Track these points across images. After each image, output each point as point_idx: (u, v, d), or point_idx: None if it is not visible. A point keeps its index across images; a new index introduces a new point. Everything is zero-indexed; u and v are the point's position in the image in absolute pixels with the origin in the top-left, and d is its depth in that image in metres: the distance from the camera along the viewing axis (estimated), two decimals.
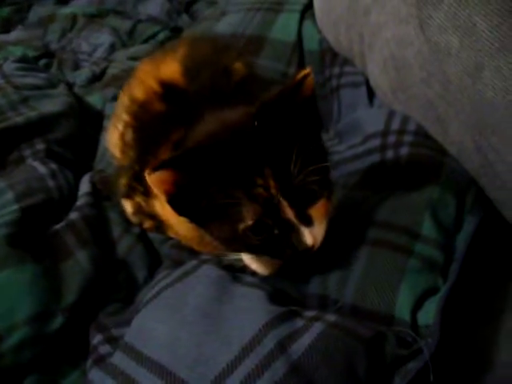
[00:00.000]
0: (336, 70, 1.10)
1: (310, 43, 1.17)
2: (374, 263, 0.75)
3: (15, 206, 0.83)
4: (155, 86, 0.82)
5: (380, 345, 0.65)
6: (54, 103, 1.08)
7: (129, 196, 0.86)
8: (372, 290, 0.73)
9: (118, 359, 0.66)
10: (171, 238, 0.89)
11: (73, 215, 0.86)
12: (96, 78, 1.33)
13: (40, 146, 0.99)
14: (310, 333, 0.65)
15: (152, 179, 0.63)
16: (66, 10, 1.72)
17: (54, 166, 0.95)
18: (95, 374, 0.66)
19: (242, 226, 0.67)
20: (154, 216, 0.84)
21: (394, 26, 0.90)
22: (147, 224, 0.88)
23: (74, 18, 1.67)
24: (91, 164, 1.05)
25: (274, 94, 0.67)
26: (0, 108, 1.03)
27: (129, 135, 0.85)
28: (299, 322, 0.67)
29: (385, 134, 0.90)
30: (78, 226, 0.84)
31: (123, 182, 0.86)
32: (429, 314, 0.69)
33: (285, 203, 0.66)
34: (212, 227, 0.70)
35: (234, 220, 0.67)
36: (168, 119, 0.75)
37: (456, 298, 0.70)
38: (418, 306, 0.71)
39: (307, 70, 0.67)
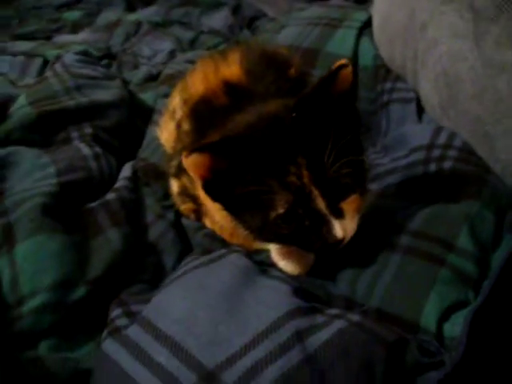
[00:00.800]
0: (388, 86, 1.09)
1: (365, 59, 1.17)
2: (404, 270, 0.73)
3: (55, 180, 0.85)
4: (217, 83, 0.85)
5: (402, 350, 0.63)
6: (106, 93, 1.11)
7: (177, 176, 0.89)
8: (400, 296, 0.71)
9: (134, 332, 0.65)
10: (205, 227, 0.89)
11: (109, 196, 0.87)
12: (152, 78, 1.37)
13: (88, 130, 1.01)
14: (329, 328, 0.64)
15: (188, 162, 0.65)
16: (132, 17, 1.78)
17: (98, 149, 0.97)
18: (109, 344, 0.65)
19: (273, 215, 0.68)
20: (195, 199, 0.86)
21: (448, 42, 0.90)
22: (188, 206, 0.90)
23: (138, 24, 1.73)
24: (136, 154, 1.06)
25: (311, 86, 0.68)
26: (55, 93, 1.06)
27: (186, 125, 0.88)
28: (320, 318, 0.66)
29: (430, 147, 0.88)
30: (113, 206, 0.85)
31: (174, 163, 0.89)
32: (455, 326, 0.67)
33: (316, 193, 0.66)
34: (244, 216, 0.71)
35: (266, 208, 0.68)
36: (229, 112, 0.76)
37: (486, 316, 0.67)
38: (445, 317, 0.68)
39: (343, 61, 0.67)
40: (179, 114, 0.93)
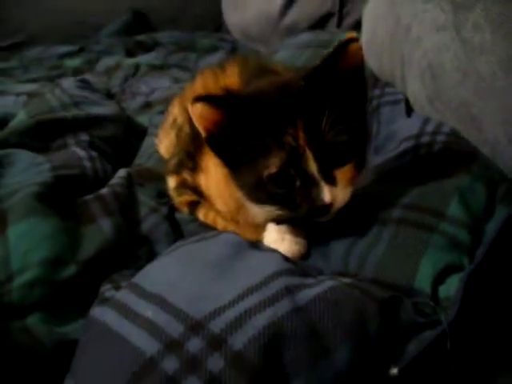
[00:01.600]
0: (377, 92, 1.12)
1: None
2: (396, 240, 0.73)
3: (50, 174, 0.86)
4: (218, 91, 0.87)
5: (395, 308, 0.62)
6: (103, 109, 1.15)
7: (177, 172, 0.92)
8: (392, 263, 0.70)
9: (121, 295, 0.65)
10: (198, 220, 0.90)
11: (103, 190, 0.88)
12: (148, 105, 1.40)
13: (84, 137, 1.03)
14: (320, 286, 0.63)
15: (193, 110, 0.69)
16: (131, 61, 1.84)
17: (93, 153, 0.99)
18: (96, 310, 0.64)
19: (266, 173, 0.69)
20: (195, 189, 0.88)
21: (431, 36, 0.93)
22: (184, 198, 0.92)
23: (137, 67, 1.78)
24: (130, 165, 1.08)
25: (321, 59, 0.71)
26: (52, 108, 1.09)
27: (186, 129, 0.93)
28: (311, 279, 0.66)
29: (418, 136, 0.89)
30: (106, 199, 0.86)
31: (174, 161, 0.94)
32: (450, 288, 0.66)
33: (310, 155, 0.68)
34: (241, 172, 0.73)
35: (261, 166, 0.70)
36: None
37: (480, 280, 0.66)
38: (439, 280, 0.67)
39: (351, 35, 0.70)
40: (180, 120, 0.98)
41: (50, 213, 0.79)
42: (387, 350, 0.59)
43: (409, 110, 1.05)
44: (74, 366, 0.60)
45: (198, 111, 0.69)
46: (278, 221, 0.81)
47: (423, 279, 0.67)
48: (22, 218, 0.76)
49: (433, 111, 0.96)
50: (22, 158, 0.92)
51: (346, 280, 0.65)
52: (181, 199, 0.93)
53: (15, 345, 0.62)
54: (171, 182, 0.95)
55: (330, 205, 0.70)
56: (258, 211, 0.80)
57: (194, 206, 0.91)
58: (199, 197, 0.90)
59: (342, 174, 0.71)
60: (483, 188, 0.77)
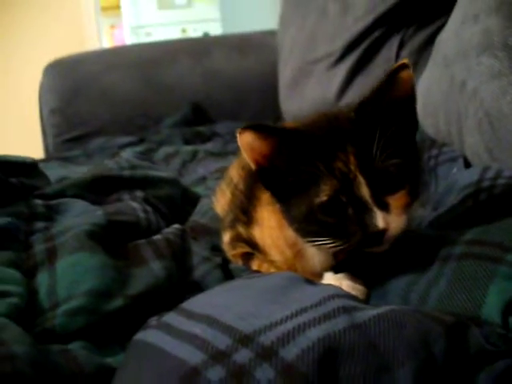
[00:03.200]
0: (434, 152, 1.10)
1: None
2: (460, 274, 0.68)
3: (103, 217, 0.86)
4: None
5: (463, 333, 0.57)
6: (160, 173, 1.16)
7: (231, 227, 0.91)
8: (457, 294, 0.66)
9: (167, 317, 0.62)
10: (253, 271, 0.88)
11: (156, 236, 0.87)
12: (203, 179, 1.42)
13: (139, 193, 1.04)
14: (379, 309, 0.59)
15: (242, 138, 0.69)
16: (189, 148, 1.89)
17: (148, 208, 0.99)
18: (139, 334, 0.61)
19: (317, 201, 0.68)
20: (249, 242, 0.87)
21: (487, 85, 0.92)
22: (237, 251, 0.91)
23: (194, 153, 1.83)
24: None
25: (372, 89, 0.71)
26: (109, 169, 1.12)
27: (241, 185, 0.94)
28: (369, 306, 0.62)
29: (478, 182, 0.86)
30: (158, 244, 0.85)
31: (228, 218, 0.94)
32: None
33: (362, 180, 0.67)
34: (292, 204, 0.72)
35: (312, 195, 0.69)
36: None
37: None
38: (509, 310, 0.62)
39: (403, 61, 0.70)
40: (236, 179, 0.99)
41: (100, 250, 0.78)
42: (456, 377, 0.53)
43: (467, 166, 1.03)
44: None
45: (246, 140, 0.69)
46: (335, 268, 0.78)
47: (491, 309, 0.62)
48: (72, 252, 0.76)
49: (492, 160, 0.94)
50: (77, 205, 0.93)
51: (408, 307, 0.61)
52: (234, 252, 0.91)
53: (54, 364, 0.59)
54: (226, 236, 0.94)
55: (384, 232, 0.67)
56: (313, 253, 0.78)
57: (247, 257, 0.89)
58: (253, 249, 0.88)
59: (395, 200, 0.69)
60: None
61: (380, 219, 0.66)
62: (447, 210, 0.89)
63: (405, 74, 0.69)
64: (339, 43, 1.61)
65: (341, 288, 0.69)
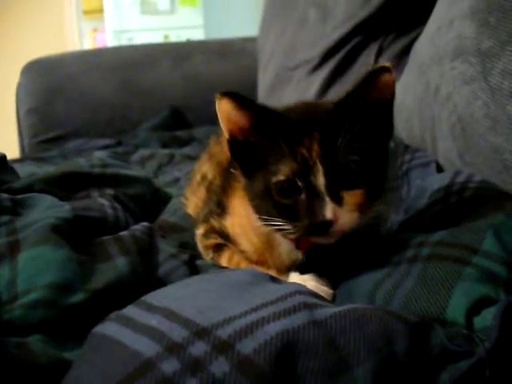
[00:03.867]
0: (407, 157, 1.10)
1: None
2: (426, 273, 0.67)
3: (69, 212, 0.84)
4: None
5: (426, 332, 0.56)
6: (131, 171, 1.15)
7: (205, 220, 0.92)
8: (422, 295, 0.65)
9: (125, 310, 0.61)
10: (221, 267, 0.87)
11: (122, 233, 0.85)
12: (177, 180, 1.41)
13: (109, 191, 1.02)
14: (341, 307, 0.58)
15: (221, 105, 0.71)
16: (166, 151, 1.87)
17: (117, 205, 0.98)
18: (97, 327, 0.60)
19: (274, 180, 0.70)
20: (221, 234, 0.88)
21: (460, 90, 0.93)
22: (210, 242, 0.91)
23: (171, 156, 1.81)
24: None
25: (353, 85, 0.72)
26: (80, 166, 1.10)
27: (217, 181, 0.96)
28: (331, 305, 0.61)
29: (449, 186, 0.86)
30: (125, 240, 0.83)
31: (204, 212, 0.95)
32: (487, 318, 0.60)
33: (320, 169, 0.68)
34: (254, 180, 0.74)
35: (271, 173, 0.70)
36: None
37: None
38: (474, 311, 0.61)
39: (384, 64, 0.71)
40: (210, 175, 1.01)
41: (63, 244, 0.76)
42: (418, 377, 0.53)
43: (440, 171, 1.03)
44: (67, 376, 0.54)
45: (224, 108, 0.71)
46: (302, 269, 0.78)
47: (456, 310, 0.61)
48: (34, 246, 0.74)
49: (464, 166, 0.93)
50: (44, 200, 0.91)
51: (371, 306, 0.60)
52: (207, 243, 0.91)
53: (10, 356, 0.58)
54: (200, 230, 0.94)
55: (331, 223, 0.67)
56: (280, 242, 0.79)
57: (219, 249, 0.89)
58: (225, 240, 0.88)
59: (351, 197, 0.69)
60: None
61: (329, 210, 0.67)
62: (417, 214, 0.88)
63: (386, 77, 0.70)
64: (318, 50, 1.61)
65: (306, 287, 0.68)
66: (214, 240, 0.89)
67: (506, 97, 0.81)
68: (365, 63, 1.53)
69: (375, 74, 0.70)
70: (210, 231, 0.90)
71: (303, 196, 0.69)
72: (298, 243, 0.77)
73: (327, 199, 0.67)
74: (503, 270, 0.65)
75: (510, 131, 0.80)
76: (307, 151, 0.68)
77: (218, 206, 0.89)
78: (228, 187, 0.87)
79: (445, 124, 0.98)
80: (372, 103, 0.71)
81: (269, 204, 0.71)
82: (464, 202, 0.81)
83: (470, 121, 0.90)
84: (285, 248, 0.79)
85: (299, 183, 0.69)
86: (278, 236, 0.78)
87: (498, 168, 0.84)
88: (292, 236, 0.72)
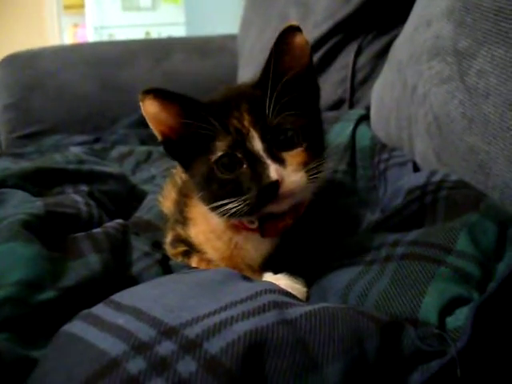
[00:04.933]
0: (384, 156, 1.10)
1: (362, 141, 1.19)
2: (399, 273, 0.67)
3: (42, 208, 0.83)
4: None
5: (396, 333, 0.56)
6: (107, 168, 1.13)
7: (173, 228, 0.91)
8: (395, 294, 0.65)
9: (93, 309, 0.60)
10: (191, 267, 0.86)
11: (95, 230, 0.84)
12: (153, 177, 1.39)
13: (83, 187, 1.01)
14: (312, 306, 0.58)
15: (146, 107, 0.72)
16: (144, 148, 1.86)
17: (91, 202, 0.96)
18: (65, 326, 0.59)
19: (214, 158, 0.70)
20: (187, 242, 0.87)
21: (437, 89, 0.92)
22: (177, 250, 0.90)
23: (149, 154, 1.80)
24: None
25: (270, 51, 0.73)
26: (55, 162, 1.08)
27: (182, 188, 0.95)
28: (302, 304, 0.60)
29: (424, 185, 0.86)
30: (97, 237, 0.82)
31: (171, 219, 0.95)
32: (459, 318, 0.60)
33: (255, 135, 0.69)
34: (194, 168, 0.75)
35: (209, 154, 0.71)
36: None
37: (491, 314, 0.60)
38: (447, 311, 0.61)
39: (290, 23, 0.72)
40: (179, 181, 1.00)
41: (34, 240, 0.75)
42: (388, 376, 0.53)
43: (416, 171, 1.03)
44: (33, 374, 0.53)
45: (151, 109, 0.72)
46: (275, 268, 0.77)
47: (429, 310, 0.61)
48: (3, 242, 0.73)
49: (440, 165, 0.93)
50: (17, 195, 0.90)
51: (343, 305, 0.60)
52: (174, 251, 0.91)
53: None
54: (168, 237, 0.93)
55: (278, 185, 0.67)
56: (247, 239, 0.79)
57: (187, 255, 0.88)
58: (191, 248, 0.87)
59: (292, 157, 0.70)
60: (493, 226, 0.72)
61: (272, 171, 0.67)
62: (393, 213, 0.88)
63: (298, 38, 0.72)
64: None
65: (278, 286, 0.67)
66: (182, 248, 0.88)
67: (482, 97, 0.81)
68: (344, 62, 1.53)
69: (283, 37, 0.72)
70: (177, 240, 0.89)
71: (245, 166, 0.69)
72: (262, 231, 0.77)
73: (268, 161, 0.68)
74: (476, 269, 0.65)
75: (486, 131, 0.80)
76: (238, 122, 0.70)
77: (181, 214, 0.89)
78: (186, 196, 0.87)
79: (421, 123, 0.98)
80: (291, 66, 0.73)
81: (214, 187, 0.71)
82: (439, 202, 0.80)
83: (446, 120, 0.89)
84: (252, 242, 0.79)
85: (238, 154, 0.69)
86: (243, 233, 0.78)
87: (473, 167, 0.84)
88: (247, 212, 0.70)
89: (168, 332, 0.51)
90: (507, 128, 0.76)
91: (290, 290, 0.69)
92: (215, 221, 0.77)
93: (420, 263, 0.67)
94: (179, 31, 3.86)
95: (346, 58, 1.53)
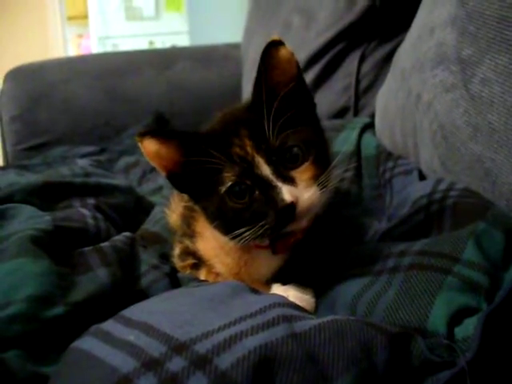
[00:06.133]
0: (390, 164, 1.10)
1: (368, 149, 1.19)
2: (407, 283, 0.67)
3: (50, 223, 0.84)
4: None
5: (406, 344, 0.56)
6: (114, 181, 1.14)
7: (180, 241, 0.91)
8: (403, 305, 0.65)
9: (104, 324, 0.60)
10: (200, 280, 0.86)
11: (103, 244, 0.85)
12: (160, 188, 1.40)
13: (90, 201, 1.02)
14: (321, 319, 0.58)
15: (145, 146, 0.71)
16: None
17: (98, 215, 0.97)
18: (76, 342, 0.59)
19: (223, 190, 0.70)
20: (195, 255, 0.87)
21: (441, 97, 0.93)
22: (186, 263, 0.89)
23: None
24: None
25: (257, 70, 0.72)
26: (62, 176, 1.09)
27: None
28: (310, 317, 0.61)
29: (431, 194, 0.86)
30: (105, 251, 0.83)
31: (180, 232, 0.94)
32: (468, 328, 0.60)
33: (260, 160, 0.68)
34: (206, 201, 0.74)
35: (219, 185, 0.70)
36: None
37: (500, 323, 0.60)
38: (455, 321, 0.61)
39: (272, 38, 0.71)
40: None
41: (43, 256, 0.76)
42: None
43: (422, 179, 1.03)
44: None
45: (150, 148, 0.71)
46: (284, 279, 0.77)
47: (437, 320, 0.61)
48: (13, 258, 0.74)
49: (446, 173, 0.93)
50: (25, 211, 0.90)
51: (352, 317, 0.60)
52: (183, 264, 0.90)
53: None
54: (176, 249, 0.93)
55: (294, 205, 0.67)
56: (257, 256, 0.78)
57: (196, 267, 0.88)
58: (200, 261, 0.87)
59: (301, 173, 0.70)
60: (500, 234, 0.72)
61: (286, 193, 0.66)
62: (399, 222, 0.88)
63: (282, 51, 0.71)
64: (301, 56, 1.60)
65: (287, 298, 0.67)
66: (190, 261, 0.88)
67: (486, 105, 0.81)
68: (348, 70, 1.53)
69: (267, 53, 0.71)
70: (185, 253, 0.89)
71: (257, 192, 0.69)
72: (274, 248, 0.77)
73: (279, 184, 0.67)
74: (484, 278, 0.65)
75: (491, 139, 0.80)
76: (241, 149, 0.69)
77: (189, 227, 0.88)
78: (193, 211, 0.86)
79: (426, 131, 0.98)
80: (280, 80, 0.72)
81: (229, 217, 0.71)
82: (446, 211, 0.81)
83: (451, 129, 0.90)
84: (263, 259, 0.79)
85: (248, 182, 0.69)
86: (253, 250, 0.78)
87: (479, 176, 0.84)
88: (265, 236, 0.71)
89: (178, 348, 0.51)
90: None
91: (298, 302, 0.70)
92: (224, 239, 0.76)
93: (427, 273, 0.67)
94: (183, 40, 3.86)
95: (350, 65, 1.53)
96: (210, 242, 0.82)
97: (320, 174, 0.70)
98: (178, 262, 0.91)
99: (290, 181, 0.68)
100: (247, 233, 0.70)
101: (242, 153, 0.69)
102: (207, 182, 0.71)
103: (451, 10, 0.92)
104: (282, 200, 0.66)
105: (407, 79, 1.09)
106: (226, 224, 0.72)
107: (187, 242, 0.89)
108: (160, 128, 0.73)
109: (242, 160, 0.69)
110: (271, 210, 0.67)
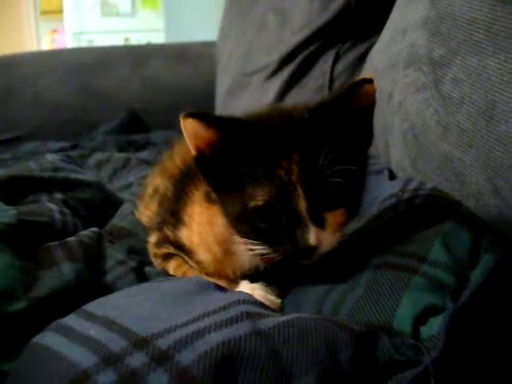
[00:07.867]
0: None
1: None
2: (374, 282, 0.67)
3: (14, 217, 0.82)
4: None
5: (370, 342, 0.56)
6: (82, 176, 1.12)
7: (159, 229, 0.89)
8: (369, 304, 0.65)
9: (65, 319, 0.60)
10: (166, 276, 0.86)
11: (69, 239, 0.83)
12: (130, 185, 1.38)
13: (58, 196, 1.00)
14: (285, 316, 0.58)
15: (186, 124, 0.65)
16: (122, 155, 1.84)
17: (66, 210, 0.95)
18: (36, 337, 0.58)
19: (252, 204, 0.65)
20: (175, 244, 0.85)
21: (413, 98, 0.93)
22: (161, 251, 0.88)
23: (127, 160, 1.78)
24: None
25: (332, 94, 0.70)
26: (30, 170, 1.07)
27: (169, 193, 0.92)
28: (276, 313, 0.60)
29: (400, 193, 0.86)
30: (71, 246, 0.81)
31: (156, 221, 0.92)
32: (433, 327, 0.60)
33: (301, 193, 0.64)
34: (228, 199, 0.69)
35: (248, 196, 0.65)
36: None
37: (465, 323, 0.60)
38: (421, 320, 0.61)
39: (365, 77, 0.67)
40: (162, 188, 0.98)
41: (5, 250, 0.73)
42: None
43: (392, 178, 1.03)
44: None
45: (190, 127, 0.65)
46: (252, 277, 0.76)
47: (403, 319, 0.61)
48: None
49: (416, 173, 0.94)
50: None
51: (317, 315, 0.60)
52: (158, 251, 0.89)
53: None
54: (153, 237, 0.91)
55: (315, 248, 0.65)
56: (243, 250, 0.75)
57: (167, 258, 0.87)
58: (179, 251, 0.86)
59: (333, 217, 0.66)
60: (467, 234, 0.72)
61: (313, 236, 0.64)
62: (368, 221, 0.88)
63: (368, 87, 0.67)
64: (276, 55, 1.61)
65: (252, 296, 0.67)
66: (166, 249, 0.87)
67: (456, 105, 0.82)
68: (322, 70, 1.53)
69: (357, 85, 0.66)
70: (163, 240, 0.87)
71: (284, 221, 0.65)
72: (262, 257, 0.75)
73: (310, 225, 0.64)
74: (451, 278, 0.65)
75: (460, 139, 0.81)
76: (286, 175, 0.63)
77: (172, 216, 0.86)
78: (183, 197, 0.84)
79: (397, 131, 0.99)
80: (352, 112, 0.67)
81: (246, 226, 0.68)
82: (414, 210, 0.81)
83: (421, 128, 0.90)
84: (248, 256, 0.76)
85: (279, 208, 0.64)
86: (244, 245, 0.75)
87: (448, 176, 0.85)
88: (272, 258, 0.69)
89: (140, 343, 0.51)
90: (481, 136, 0.77)
91: (263, 301, 0.69)
92: (220, 229, 0.74)
93: (394, 272, 0.67)
94: (158, 37, 3.85)
95: (324, 65, 1.53)
96: (201, 228, 0.79)
97: (348, 222, 0.69)
98: (153, 249, 0.90)
99: (320, 223, 0.65)
100: (257, 247, 0.68)
101: (285, 178, 0.63)
102: (236, 182, 0.67)
103: (423, 12, 0.93)
104: (307, 241, 0.64)
105: (379, 79, 1.10)
106: (239, 228, 0.70)
107: (167, 231, 0.86)
108: (205, 112, 0.67)
109: (282, 185, 0.64)
110: (291, 244, 0.65)
